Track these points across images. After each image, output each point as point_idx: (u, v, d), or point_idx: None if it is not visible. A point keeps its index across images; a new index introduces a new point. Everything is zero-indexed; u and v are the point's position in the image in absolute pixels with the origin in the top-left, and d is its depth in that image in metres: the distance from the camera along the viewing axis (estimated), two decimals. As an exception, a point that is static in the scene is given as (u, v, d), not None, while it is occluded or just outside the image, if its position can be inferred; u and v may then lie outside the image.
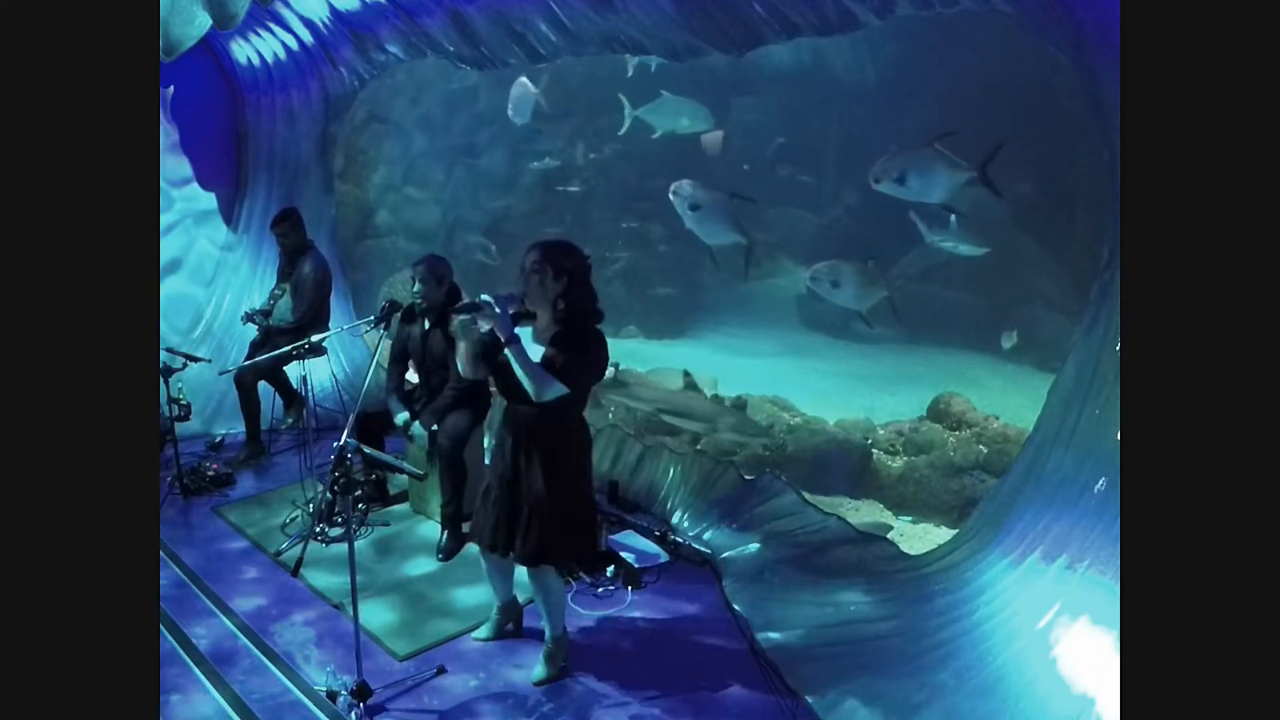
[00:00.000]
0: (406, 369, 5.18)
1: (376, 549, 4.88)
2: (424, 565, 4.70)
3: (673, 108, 7.78)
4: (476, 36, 5.53)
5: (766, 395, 7.09)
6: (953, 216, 6.46)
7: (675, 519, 5.12)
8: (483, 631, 4.02)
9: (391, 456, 3.98)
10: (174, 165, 6.99)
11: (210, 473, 5.64)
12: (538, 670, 3.77)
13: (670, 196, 6.48)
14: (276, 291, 6.08)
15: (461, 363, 3.53)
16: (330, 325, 5.98)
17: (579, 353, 3.37)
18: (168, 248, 6.86)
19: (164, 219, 6.87)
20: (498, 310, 3.28)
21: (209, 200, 7.17)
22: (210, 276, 7.12)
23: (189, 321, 6.95)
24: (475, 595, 4.32)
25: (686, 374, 6.45)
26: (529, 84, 8.35)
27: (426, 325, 4.97)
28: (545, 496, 3.47)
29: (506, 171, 10.87)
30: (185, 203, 7.08)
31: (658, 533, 4.89)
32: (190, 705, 3.57)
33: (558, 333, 3.39)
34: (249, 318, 6.00)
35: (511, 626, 4.03)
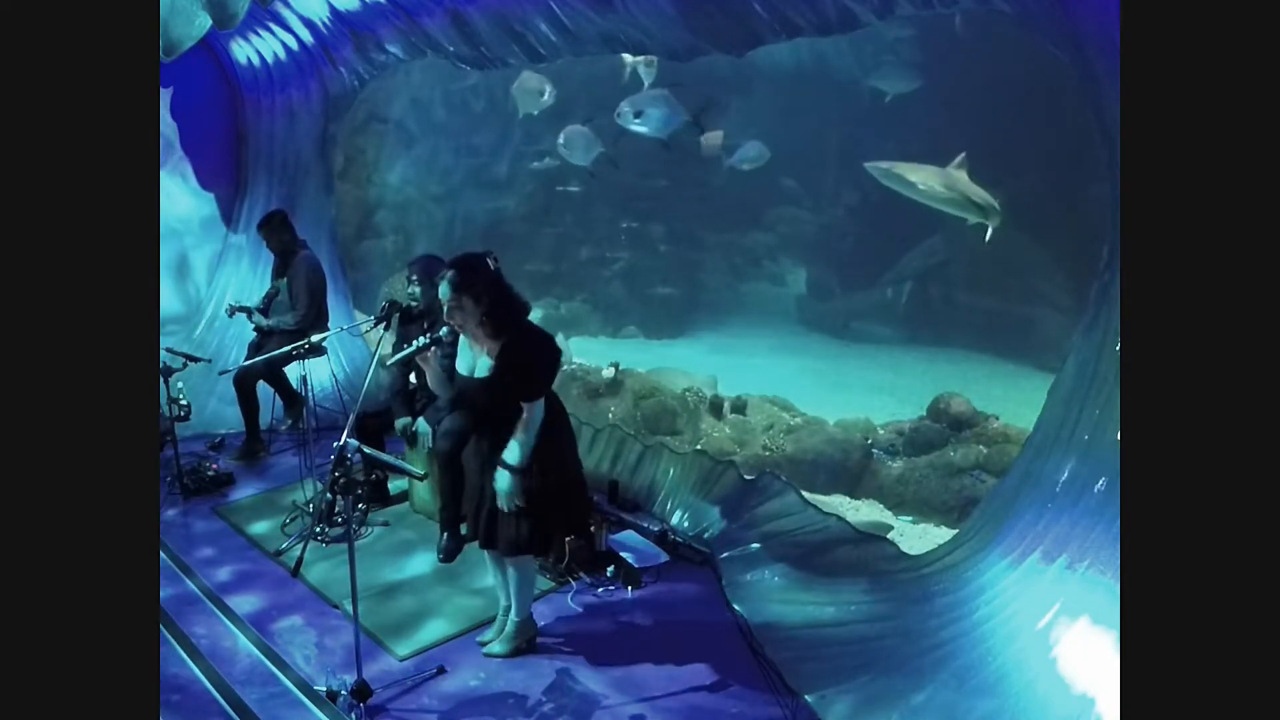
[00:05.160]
0: (410, 370, 5.16)
1: (376, 549, 4.89)
2: (424, 565, 4.69)
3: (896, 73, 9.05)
4: (476, 36, 5.52)
5: (766, 395, 7.10)
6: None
7: (675, 519, 5.12)
8: (496, 648, 3.90)
9: (391, 456, 3.98)
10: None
11: (210, 473, 5.64)
12: (494, 645, 3.86)
13: (616, 119, 7.67)
14: (271, 290, 6.08)
15: (435, 387, 3.78)
16: (330, 325, 5.98)
17: (526, 364, 3.51)
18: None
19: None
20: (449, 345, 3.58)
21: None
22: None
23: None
24: (475, 595, 4.33)
25: None
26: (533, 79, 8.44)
27: (426, 327, 4.95)
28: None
29: (506, 171, 10.87)
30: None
31: (658, 532, 4.89)
32: (190, 705, 3.57)
33: (500, 352, 3.51)
34: (234, 311, 5.94)
35: (526, 645, 3.95)
